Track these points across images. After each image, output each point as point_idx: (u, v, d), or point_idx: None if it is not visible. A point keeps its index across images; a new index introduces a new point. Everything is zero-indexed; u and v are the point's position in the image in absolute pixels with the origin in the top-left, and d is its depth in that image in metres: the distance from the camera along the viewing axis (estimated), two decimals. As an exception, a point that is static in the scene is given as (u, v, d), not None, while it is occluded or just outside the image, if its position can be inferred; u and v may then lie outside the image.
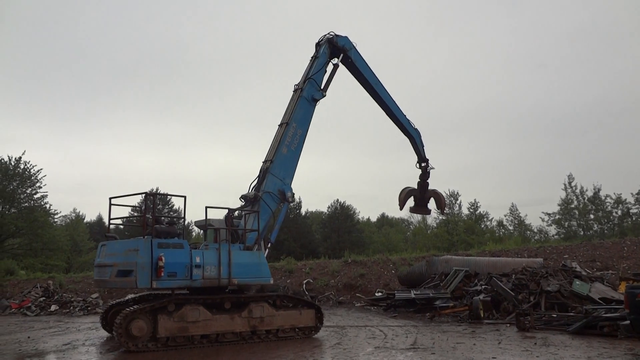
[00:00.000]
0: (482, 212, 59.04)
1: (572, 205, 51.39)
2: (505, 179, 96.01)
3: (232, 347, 11.54)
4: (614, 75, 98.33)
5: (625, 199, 50.38)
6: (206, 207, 12.56)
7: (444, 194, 18.98)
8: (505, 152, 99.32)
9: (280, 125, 15.21)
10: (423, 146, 18.56)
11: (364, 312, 19.08)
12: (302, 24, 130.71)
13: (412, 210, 19.58)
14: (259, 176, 14.50)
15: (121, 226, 17.69)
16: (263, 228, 13.66)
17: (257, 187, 14.27)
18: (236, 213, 13.92)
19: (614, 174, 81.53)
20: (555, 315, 14.23)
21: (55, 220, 43.50)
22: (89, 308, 22.05)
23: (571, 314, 14.06)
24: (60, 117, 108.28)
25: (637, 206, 51.04)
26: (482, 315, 15.41)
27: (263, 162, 14.73)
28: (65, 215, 57.97)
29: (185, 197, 12.13)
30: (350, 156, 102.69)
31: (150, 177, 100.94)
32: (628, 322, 9.17)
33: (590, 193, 50.91)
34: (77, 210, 60.75)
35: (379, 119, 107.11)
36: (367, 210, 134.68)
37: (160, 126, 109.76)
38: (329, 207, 60.61)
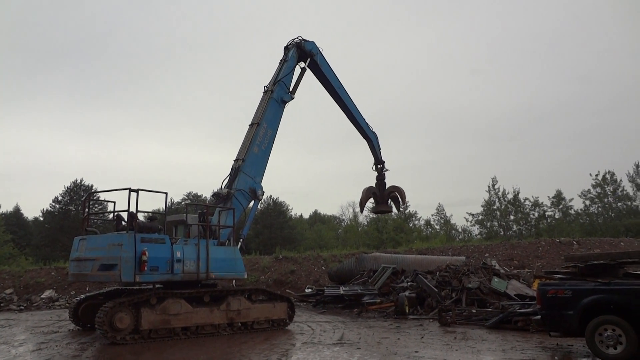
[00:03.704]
0: (411, 211, 60.95)
1: (494, 207, 54.14)
2: (434, 179, 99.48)
3: (210, 339, 11.97)
4: (539, 84, 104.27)
5: (542, 202, 53.78)
6: (186, 204, 13.18)
7: (402, 188, 19.83)
8: (435, 153, 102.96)
9: (251, 125, 15.65)
10: (380, 149, 19.52)
11: (294, 308, 19.14)
12: (239, 14, 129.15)
13: (374, 209, 20.58)
14: (230, 174, 14.89)
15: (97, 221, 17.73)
16: (235, 224, 14.15)
17: (229, 184, 14.69)
18: (217, 209, 14.22)
19: (532, 178, 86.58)
20: (474, 311, 14.92)
21: (-34, 210, 40.51)
22: (1, 304, 20.75)
23: (489, 309, 14.80)
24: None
25: (552, 209, 54.62)
26: (407, 311, 15.91)
27: (235, 161, 15.12)
28: (-23, 206, 53.85)
29: (166, 193, 12.47)
30: (285, 152, 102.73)
31: (76, 166, 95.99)
32: (539, 317, 9.79)
33: (510, 195, 53.85)
34: (-9, 201, 56.59)
35: (315, 117, 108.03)
36: (300, 207, 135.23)
37: (87, 114, 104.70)
38: (261, 203, 60.37)
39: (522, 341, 10.96)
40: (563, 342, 10.57)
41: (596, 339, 8.68)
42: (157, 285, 12.57)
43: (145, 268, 11.25)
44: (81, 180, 53.50)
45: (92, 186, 52.81)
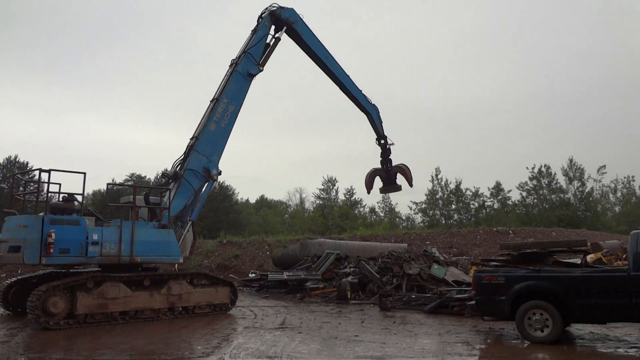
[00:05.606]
0: (356, 198, 61.78)
1: (437, 196, 55.74)
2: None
3: (150, 323, 11.74)
4: (491, 78, 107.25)
5: (482, 193, 55.83)
6: (107, 185, 13.82)
7: (408, 167, 18.86)
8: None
9: (211, 101, 14.76)
10: (381, 122, 18.45)
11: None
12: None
13: (382, 190, 19.66)
14: (184, 153, 14.15)
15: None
16: (183, 206, 13.57)
17: (181, 164, 14.00)
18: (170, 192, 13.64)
19: (474, 170, 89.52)
20: (414, 296, 15.37)
21: None
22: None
23: (428, 295, 15.28)
24: None
25: (492, 199, 56.84)
26: (349, 296, 16.17)
27: (190, 139, 14.31)
28: None
29: (85, 173, 11.80)
30: (235, 136, 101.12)
31: (16, 143, 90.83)
32: (474, 302, 10.21)
33: (453, 185, 55.56)
34: None
35: (263, 99, 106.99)
36: (247, 192, 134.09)
37: (30, 89, 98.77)
38: (207, 187, 59.38)
39: (458, 325, 11.40)
40: (495, 325, 11.07)
41: (525, 323, 9.16)
42: (95, 269, 12.19)
43: (52, 250, 10.75)
44: (16, 157, 50.85)
45: (27, 163, 50.33)
